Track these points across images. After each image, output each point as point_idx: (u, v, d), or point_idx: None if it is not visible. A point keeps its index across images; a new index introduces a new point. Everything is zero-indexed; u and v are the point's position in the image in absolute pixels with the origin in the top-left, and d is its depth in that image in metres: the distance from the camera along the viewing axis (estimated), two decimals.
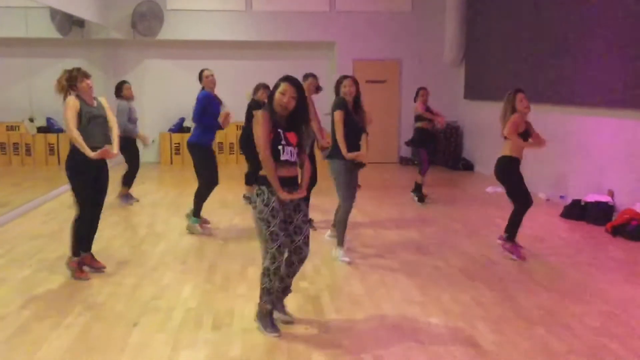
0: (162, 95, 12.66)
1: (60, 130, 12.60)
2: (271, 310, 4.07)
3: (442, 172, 11.80)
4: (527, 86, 9.34)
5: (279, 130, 3.94)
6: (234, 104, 10.58)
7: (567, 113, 8.46)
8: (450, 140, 12.66)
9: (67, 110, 4.96)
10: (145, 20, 12.30)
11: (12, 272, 5.34)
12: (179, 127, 12.90)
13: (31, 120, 12.44)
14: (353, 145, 5.53)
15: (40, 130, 12.49)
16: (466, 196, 9.41)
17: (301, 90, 4.00)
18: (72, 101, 5.00)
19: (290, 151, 3.96)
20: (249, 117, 7.73)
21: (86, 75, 5.11)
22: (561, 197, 8.34)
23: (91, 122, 5.04)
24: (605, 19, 7.38)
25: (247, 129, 7.77)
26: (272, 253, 3.93)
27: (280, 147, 3.92)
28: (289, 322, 4.17)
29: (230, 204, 8.39)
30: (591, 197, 7.39)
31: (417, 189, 8.59)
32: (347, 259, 5.66)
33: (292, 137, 3.98)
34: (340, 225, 5.74)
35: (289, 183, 3.99)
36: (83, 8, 10.84)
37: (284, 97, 3.90)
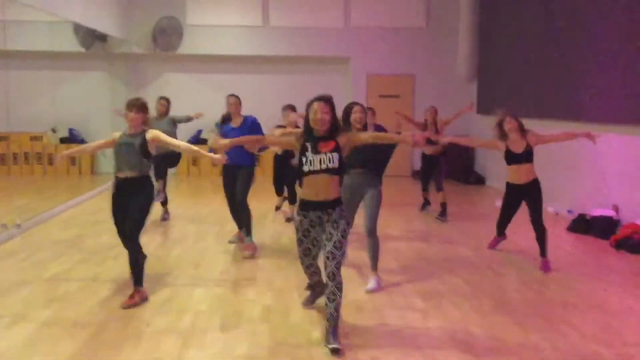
0: (181, 108, 12.83)
1: (82, 141, 12.98)
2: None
3: (453, 185, 11.95)
4: (536, 102, 9.56)
5: (306, 143, 4.13)
6: None
7: (575, 129, 8.58)
8: (462, 155, 12.81)
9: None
10: (165, 35, 12.68)
11: (34, 274, 5.62)
12: (196, 139, 13.20)
13: (54, 131, 12.86)
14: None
15: (62, 140, 12.89)
16: (476, 209, 9.56)
17: (331, 103, 4.17)
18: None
19: (321, 159, 4.07)
20: None
21: (128, 107, 5.05)
22: (569, 211, 8.46)
23: (116, 150, 5.03)
24: (614, 37, 7.53)
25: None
26: (302, 267, 4.53)
27: (304, 158, 4.09)
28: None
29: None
30: (596, 212, 7.52)
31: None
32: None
33: (327, 144, 4.10)
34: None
35: (316, 207, 4.14)
36: (106, 23, 11.24)
37: (317, 114, 4.08)
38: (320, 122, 4.09)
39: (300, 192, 4.26)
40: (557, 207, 8.84)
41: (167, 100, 8.67)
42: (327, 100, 4.15)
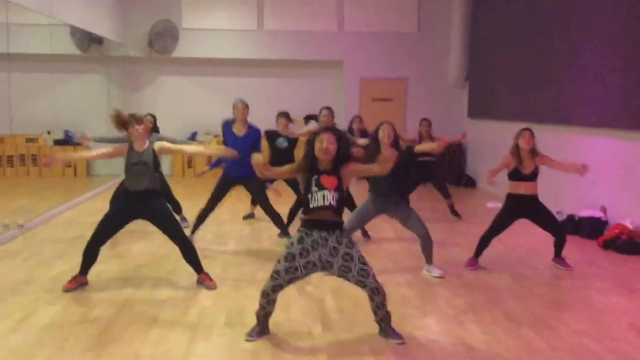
0: (176, 110, 13.08)
1: (77, 144, 13.08)
2: (258, 320, 4.34)
3: None
4: (526, 106, 9.79)
5: (313, 177, 4.17)
6: None
7: (564, 132, 8.83)
8: (454, 158, 13.04)
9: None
10: (161, 38, 12.82)
11: (40, 273, 5.76)
12: (192, 141, 13.35)
13: (48, 132, 12.96)
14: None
15: (57, 142, 12.98)
16: (468, 211, 9.75)
17: (341, 136, 4.30)
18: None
19: (324, 195, 4.13)
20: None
21: (137, 121, 5.16)
22: (557, 212, 8.66)
23: (129, 169, 5.19)
24: (601, 43, 7.76)
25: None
26: (266, 285, 4.23)
27: (309, 195, 4.15)
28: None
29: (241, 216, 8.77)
30: (584, 213, 7.74)
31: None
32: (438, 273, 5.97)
33: (330, 180, 4.17)
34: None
35: (322, 226, 4.18)
36: (102, 26, 11.36)
37: (323, 144, 4.15)
38: (325, 152, 4.12)
39: (303, 215, 4.26)
40: None
41: (154, 117, 8.00)
42: (335, 132, 4.25)
